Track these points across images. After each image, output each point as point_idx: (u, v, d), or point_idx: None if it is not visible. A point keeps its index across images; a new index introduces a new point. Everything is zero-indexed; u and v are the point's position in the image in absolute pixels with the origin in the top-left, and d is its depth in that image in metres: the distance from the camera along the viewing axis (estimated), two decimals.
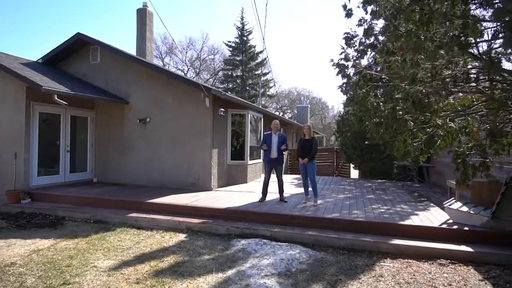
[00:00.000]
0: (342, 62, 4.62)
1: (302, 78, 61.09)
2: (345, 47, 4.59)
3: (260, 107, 12.81)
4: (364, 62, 4.93)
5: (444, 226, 4.95)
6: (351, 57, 4.63)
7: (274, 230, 5.24)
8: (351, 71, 4.57)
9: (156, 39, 34.88)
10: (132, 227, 5.88)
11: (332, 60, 4.63)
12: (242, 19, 31.67)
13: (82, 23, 50.40)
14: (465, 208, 5.11)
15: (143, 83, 9.00)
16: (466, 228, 4.80)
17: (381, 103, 4.24)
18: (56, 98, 7.03)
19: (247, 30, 31.64)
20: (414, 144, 4.21)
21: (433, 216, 5.58)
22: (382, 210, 6.11)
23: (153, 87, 8.87)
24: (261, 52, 31.46)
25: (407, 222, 5.18)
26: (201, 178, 8.30)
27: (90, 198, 6.95)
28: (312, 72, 60.57)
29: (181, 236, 5.34)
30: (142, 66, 8.94)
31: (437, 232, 4.82)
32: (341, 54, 4.68)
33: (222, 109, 7.94)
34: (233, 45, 31.96)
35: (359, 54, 4.60)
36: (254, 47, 31.69)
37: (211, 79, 36.82)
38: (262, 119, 11.09)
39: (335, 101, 61.85)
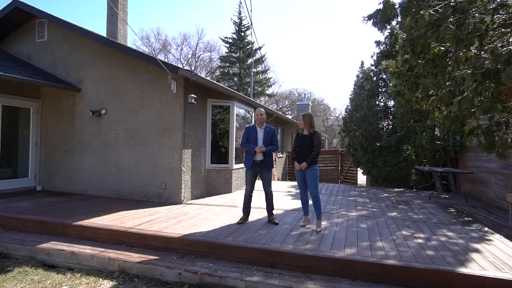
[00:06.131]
0: None
1: (303, 79, 58.89)
2: None
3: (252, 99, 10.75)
4: None
5: None
6: None
7: (251, 280, 3.20)
8: None
9: (149, 35, 33.07)
10: (42, 265, 3.89)
11: None
12: (239, 13, 29.74)
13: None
14: None
15: (99, 65, 7.03)
16: None
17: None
18: None
19: (245, 26, 29.70)
20: None
21: (506, 255, 3.54)
22: (419, 240, 4.07)
23: (110, 71, 6.90)
24: (259, 48, 29.50)
25: (471, 268, 3.14)
26: (168, 187, 6.30)
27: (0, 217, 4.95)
28: (314, 73, 58.50)
29: (104, 287, 3.33)
30: (96, 42, 6.96)
31: None
32: None
33: (193, 95, 5.93)
34: (230, 41, 30.00)
35: None
36: (252, 43, 29.72)
37: (208, 77, 34.90)
38: (253, 113, 9.08)
39: (338, 103, 59.84)
